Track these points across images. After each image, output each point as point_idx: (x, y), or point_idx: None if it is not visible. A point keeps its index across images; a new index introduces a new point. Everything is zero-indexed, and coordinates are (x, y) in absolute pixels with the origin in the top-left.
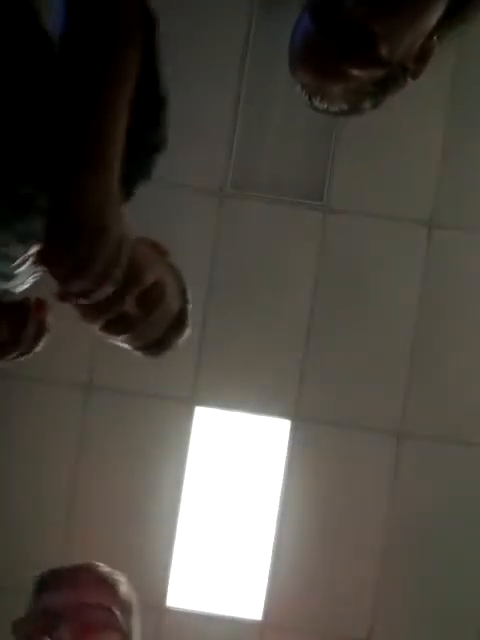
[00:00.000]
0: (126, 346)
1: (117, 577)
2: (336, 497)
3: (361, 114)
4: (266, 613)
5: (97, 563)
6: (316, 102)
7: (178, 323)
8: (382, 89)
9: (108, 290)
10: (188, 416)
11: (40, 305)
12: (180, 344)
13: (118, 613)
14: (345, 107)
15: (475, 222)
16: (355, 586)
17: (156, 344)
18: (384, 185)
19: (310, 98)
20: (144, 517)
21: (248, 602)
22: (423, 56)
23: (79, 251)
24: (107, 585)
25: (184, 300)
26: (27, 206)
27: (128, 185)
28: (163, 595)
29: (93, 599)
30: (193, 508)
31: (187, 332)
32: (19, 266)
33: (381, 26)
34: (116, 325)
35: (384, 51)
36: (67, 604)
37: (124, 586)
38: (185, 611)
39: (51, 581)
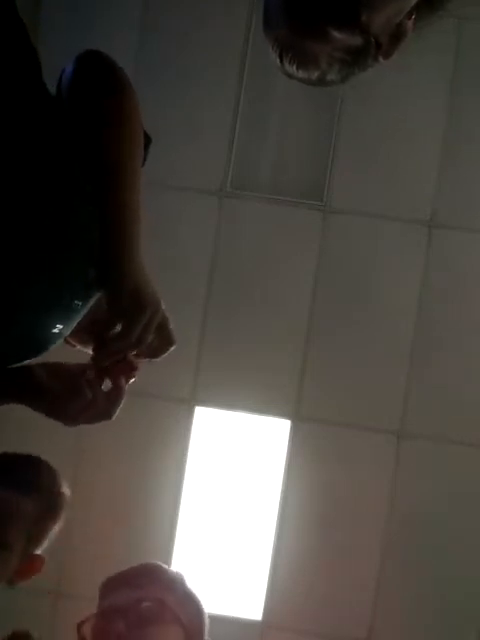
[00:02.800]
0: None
1: (176, 575)
2: (336, 497)
3: (326, 86)
4: (266, 613)
5: (157, 563)
6: (286, 64)
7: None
8: (353, 59)
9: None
10: (188, 416)
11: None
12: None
13: (176, 607)
14: (314, 74)
15: (475, 222)
16: (355, 586)
17: (152, 352)
18: (384, 185)
19: (281, 58)
20: (144, 517)
21: (248, 602)
22: (398, 35)
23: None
24: (164, 582)
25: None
26: (90, 289)
27: None
28: None
29: (148, 594)
30: (193, 508)
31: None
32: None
33: None
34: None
35: (364, 15)
36: (123, 601)
37: (184, 583)
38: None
39: (110, 584)
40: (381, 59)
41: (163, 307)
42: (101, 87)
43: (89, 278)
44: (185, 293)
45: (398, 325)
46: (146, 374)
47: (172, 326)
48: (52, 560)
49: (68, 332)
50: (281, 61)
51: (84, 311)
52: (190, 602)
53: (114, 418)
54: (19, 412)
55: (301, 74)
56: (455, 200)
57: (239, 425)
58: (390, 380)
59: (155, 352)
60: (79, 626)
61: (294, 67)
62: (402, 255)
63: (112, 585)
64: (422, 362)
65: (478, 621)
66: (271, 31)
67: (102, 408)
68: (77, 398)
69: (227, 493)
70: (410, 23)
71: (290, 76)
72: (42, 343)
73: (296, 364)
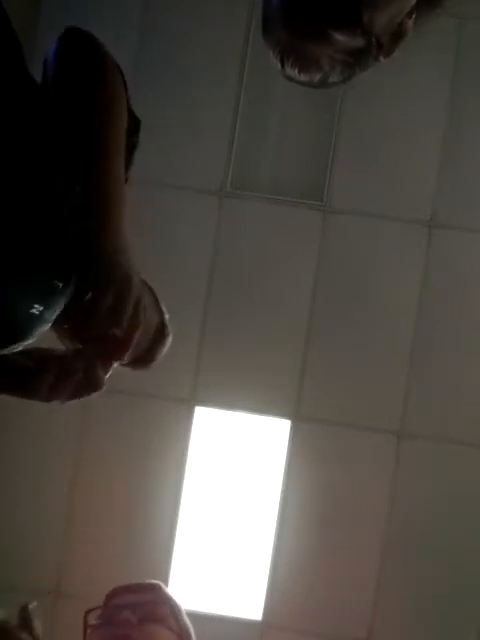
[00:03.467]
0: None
1: (179, 602)
2: (336, 497)
3: (328, 88)
4: (266, 613)
5: (161, 584)
6: (288, 68)
7: (160, 335)
8: (355, 60)
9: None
10: (188, 416)
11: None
12: (163, 355)
13: (177, 628)
14: (316, 77)
15: (475, 222)
16: (355, 586)
17: (142, 358)
18: (384, 185)
19: (282, 63)
20: (144, 517)
21: (248, 602)
22: (399, 34)
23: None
24: (168, 601)
25: (160, 311)
26: (71, 270)
27: None
28: None
29: (156, 599)
30: (193, 508)
31: (169, 341)
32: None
33: None
34: None
35: (366, 17)
36: (132, 600)
37: (183, 613)
38: (185, 611)
39: (115, 591)
40: (382, 58)
41: (138, 287)
42: (85, 71)
43: (71, 259)
44: (185, 293)
45: (398, 325)
46: (146, 374)
47: (164, 310)
48: (52, 560)
49: (51, 317)
50: (282, 65)
51: (66, 295)
52: (188, 632)
53: (104, 388)
54: (20, 414)
55: (303, 77)
56: (455, 200)
57: (239, 425)
58: (390, 380)
59: (142, 330)
60: (86, 613)
61: (296, 71)
62: (402, 255)
63: (117, 592)
64: (422, 362)
65: (478, 621)
66: (271, 36)
67: (84, 380)
68: (44, 374)
69: (227, 493)
70: (411, 22)
71: (291, 80)
72: (20, 323)
73: (296, 364)
